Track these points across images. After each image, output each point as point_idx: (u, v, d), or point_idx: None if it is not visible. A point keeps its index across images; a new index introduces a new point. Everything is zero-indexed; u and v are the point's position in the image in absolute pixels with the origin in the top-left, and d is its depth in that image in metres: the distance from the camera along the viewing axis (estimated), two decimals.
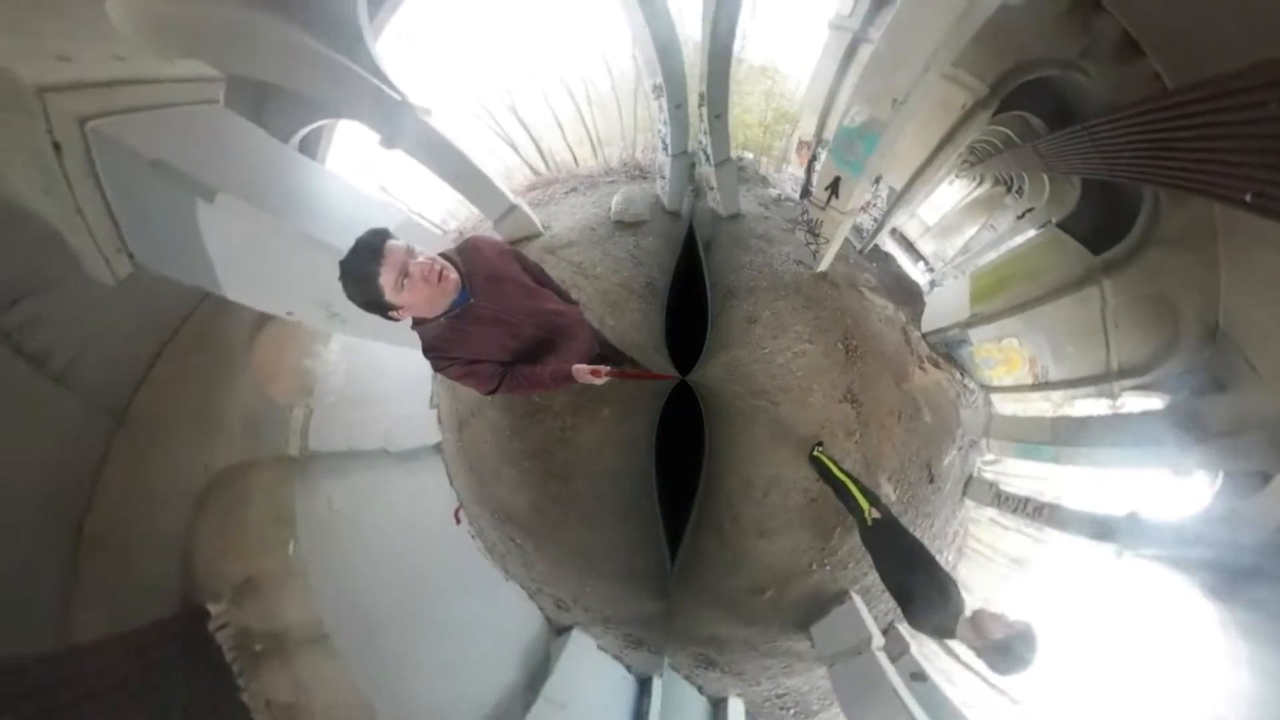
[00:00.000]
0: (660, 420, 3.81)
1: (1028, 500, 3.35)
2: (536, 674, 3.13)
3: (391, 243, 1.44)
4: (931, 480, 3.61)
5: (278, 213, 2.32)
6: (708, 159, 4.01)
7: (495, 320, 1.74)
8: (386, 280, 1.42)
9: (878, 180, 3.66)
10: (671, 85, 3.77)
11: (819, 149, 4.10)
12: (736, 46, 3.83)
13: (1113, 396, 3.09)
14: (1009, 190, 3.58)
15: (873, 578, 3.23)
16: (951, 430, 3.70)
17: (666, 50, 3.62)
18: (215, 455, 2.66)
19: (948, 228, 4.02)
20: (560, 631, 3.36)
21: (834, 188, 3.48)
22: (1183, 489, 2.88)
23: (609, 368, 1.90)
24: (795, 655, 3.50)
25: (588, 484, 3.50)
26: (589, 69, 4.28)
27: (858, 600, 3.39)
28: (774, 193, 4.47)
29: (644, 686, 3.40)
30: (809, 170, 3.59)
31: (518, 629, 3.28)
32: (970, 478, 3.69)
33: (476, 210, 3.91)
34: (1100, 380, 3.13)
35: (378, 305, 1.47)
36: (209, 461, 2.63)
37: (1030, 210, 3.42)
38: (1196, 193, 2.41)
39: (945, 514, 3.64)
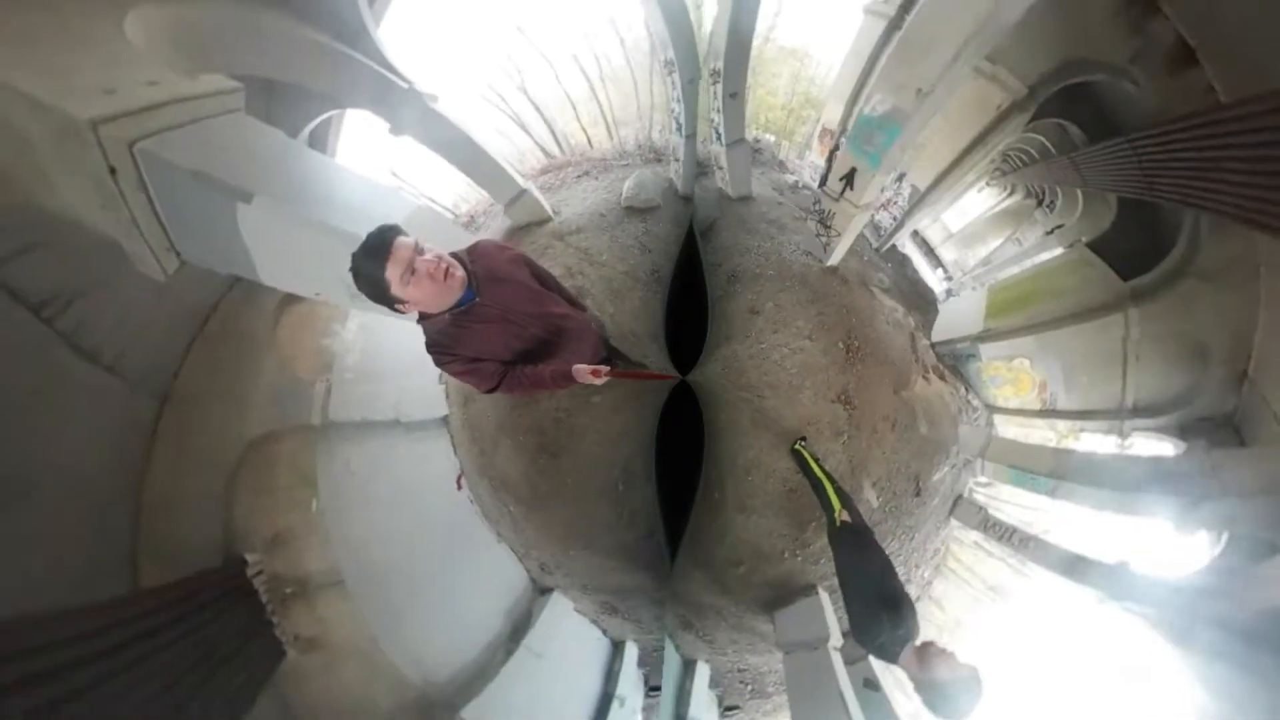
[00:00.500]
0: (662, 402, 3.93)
1: (1014, 530, 3.24)
2: (519, 626, 3.55)
3: (400, 239, 1.49)
4: (918, 493, 3.54)
5: (301, 206, 2.54)
6: (718, 137, 3.80)
7: (499, 320, 1.78)
8: (392, 275, 1.48)
9: (900, 177, 3.37)
10: (683, 60, 3.54)
11: (842, 139, 3.78)
12: (767, 25, 3.51)
13: (1122, 435, 2.87)
14: (1040, 203, 3.19)
15: None
16: (947, 446, 3.58)
17: (677, 23, 3.38)
18: (247, 427, 3.07)
19: (971, 236, 3.67)
20: (543, 591, 3.76)
21: (849, 179, 3.26)
22: (1180, 544, 2.70)
23: (609, 368, 1.92)
24: (759, 635, 3.72)
25: (574, 463, 3.73)
26: (602, 43, 4.02)
27: (824, 597, 3.51)
28: (790, 179, 4.17)
29: (617, 649, 3.78)
30: (829, 160, 3.33)
31: (506, 586, 3.69)
32: (960, 497, 3.59)
33: (488, 194, 3.95)
34: (1111, 416, 2.91)
35: (384, 298, 1.55)
36: (242, 433, 3.05)
37: (1060, 226, 3.07)
38: (1245, 222, 2.13)
39: (928, 529, 3.60)
